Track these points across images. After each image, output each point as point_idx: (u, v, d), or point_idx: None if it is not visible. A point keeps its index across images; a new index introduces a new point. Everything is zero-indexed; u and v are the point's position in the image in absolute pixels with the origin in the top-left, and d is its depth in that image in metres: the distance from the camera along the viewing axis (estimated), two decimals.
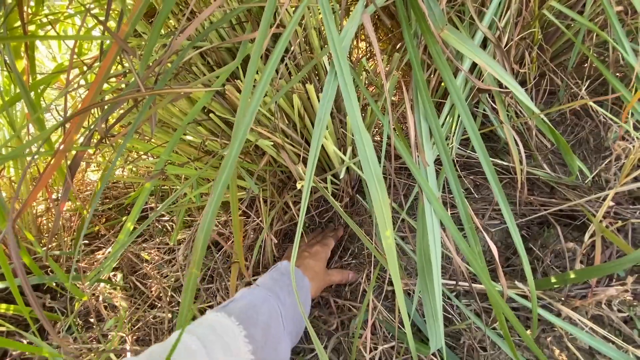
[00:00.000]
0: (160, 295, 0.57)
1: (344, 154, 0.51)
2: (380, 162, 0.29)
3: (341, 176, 0.50)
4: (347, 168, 0.53)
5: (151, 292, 0.59)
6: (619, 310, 0.39)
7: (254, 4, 0.39)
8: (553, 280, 0.41)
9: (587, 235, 0.39)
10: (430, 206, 0.32)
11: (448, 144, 0.47)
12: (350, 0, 0.61)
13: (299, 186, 0.37)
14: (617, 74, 0.65)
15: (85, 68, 0.59)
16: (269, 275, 0.44)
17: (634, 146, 0.37)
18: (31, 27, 0.54)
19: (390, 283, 0.50)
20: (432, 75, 0.51)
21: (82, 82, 0.54)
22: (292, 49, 0.44)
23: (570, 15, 0.50)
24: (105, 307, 0.57)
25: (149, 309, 0.56)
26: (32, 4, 0.53)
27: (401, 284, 0.27)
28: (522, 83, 0.66)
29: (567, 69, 0.64)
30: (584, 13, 0.57)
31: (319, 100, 0.43)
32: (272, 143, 0.40)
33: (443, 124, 0.43)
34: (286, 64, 0.43)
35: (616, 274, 0.43)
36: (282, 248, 0.57)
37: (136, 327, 0.54)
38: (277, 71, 0.43)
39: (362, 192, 0.59)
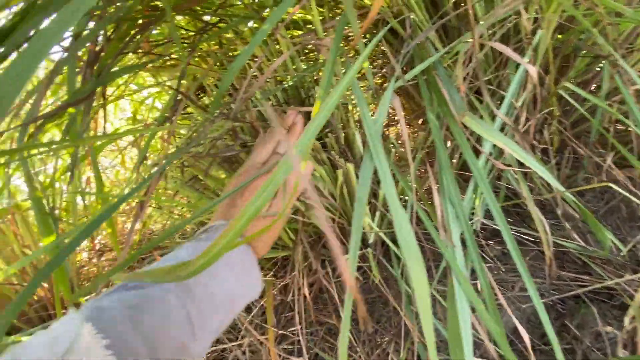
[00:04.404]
0: None
1: (373, 219, 0.53)
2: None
3: (370, 241, 0.52)
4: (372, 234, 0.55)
5: None
6: None
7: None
8: None
9: (627, 320, 0.38)
10: (459, 287, 0.33)
11: (473, 217, 0.49)
12: (379, 79, 0.68)
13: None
14: None
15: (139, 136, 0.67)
16: (189, 250, 0.30)
17: None
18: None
19: (419, 358, 0.48)
20: (455, 150, 0.55)
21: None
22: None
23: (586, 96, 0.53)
24: None
25: None
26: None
27: None
28: (544, 151, 0.68)
29: (590, 139, 0.65)
30: (601, 89, 0.60)
31: (356, 176, 0.46)
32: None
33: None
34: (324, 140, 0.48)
35: None
36: (316, 308, 0.57)
37: None
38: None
39: (388, 256, 0.60)
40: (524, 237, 0.57)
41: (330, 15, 0.59)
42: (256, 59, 0.50)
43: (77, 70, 0.42)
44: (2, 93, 0.19)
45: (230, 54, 0.62)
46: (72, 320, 0.22)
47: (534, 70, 0.39)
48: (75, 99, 0.35)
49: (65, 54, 0.37)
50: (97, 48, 0.39)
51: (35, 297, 0.67)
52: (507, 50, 0.41)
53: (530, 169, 0.48)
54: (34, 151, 0.57)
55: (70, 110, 0.37)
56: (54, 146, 0.36)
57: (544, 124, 0.60)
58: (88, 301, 0.25)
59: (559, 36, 0.59)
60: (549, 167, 0.60)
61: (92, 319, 0.22)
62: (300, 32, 0.66)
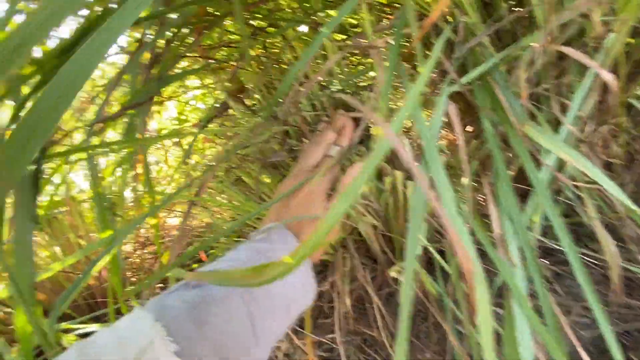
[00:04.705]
0: None
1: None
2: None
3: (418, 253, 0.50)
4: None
5: None
6: None
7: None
8: None
9: None
10: (521, 311, 0.31)
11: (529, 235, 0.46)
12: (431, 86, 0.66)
13: (393, 274, 0.37)
14: None
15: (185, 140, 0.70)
16: (248, 252, 0.30)
17: None
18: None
19: None
20: (509, 162, 0.51)
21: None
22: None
23: None
24: None
25: None
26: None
27: None
28: (607, 165, 0.62)
29: None
30: None
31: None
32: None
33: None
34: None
35: None
36: (354, 317, 0.56)
37: None
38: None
39: (430, 269, 0.58)
40: (584, 258, 0.52)
41: (378, 19, 0.58)
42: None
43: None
44: (66, 88, 0.19)
45: (274, 57, 0.62)
46: (141, 320, 0.22)
47: (610, 77, 0.36)
48: (137, 101, 0.36)
49: (129, 58, 0.38)
50: (157, 52, 0.40)
51: (85, 285, 0.71)
52: (578, 55, 0.38)
53: (597, 184, 0.44)
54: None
55: (130, 111, 0.39)
56: (116, 146, 0.37)
57: (610, 135, 0.55)
58: (151, 299, 0.25)
59: (631, 40, 0.54)
60: (617, 182, 0.54)
61: (157, 319, 0.22)
62: (343, 37, 0.66)
